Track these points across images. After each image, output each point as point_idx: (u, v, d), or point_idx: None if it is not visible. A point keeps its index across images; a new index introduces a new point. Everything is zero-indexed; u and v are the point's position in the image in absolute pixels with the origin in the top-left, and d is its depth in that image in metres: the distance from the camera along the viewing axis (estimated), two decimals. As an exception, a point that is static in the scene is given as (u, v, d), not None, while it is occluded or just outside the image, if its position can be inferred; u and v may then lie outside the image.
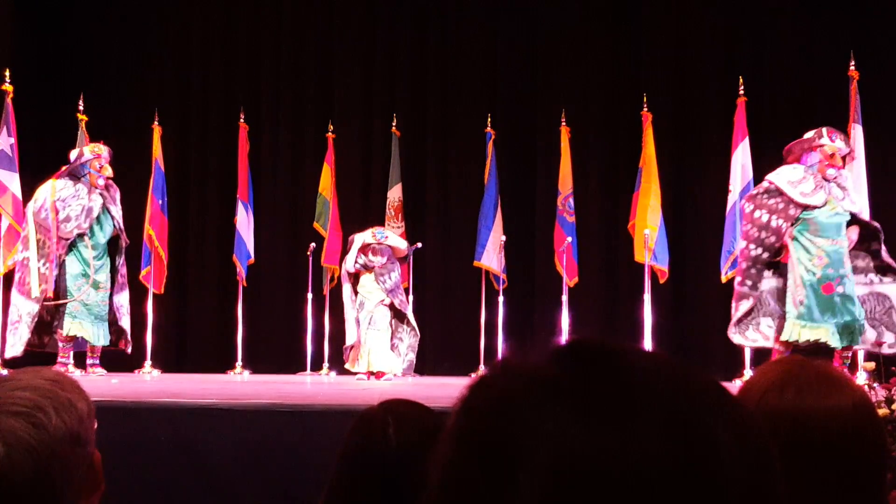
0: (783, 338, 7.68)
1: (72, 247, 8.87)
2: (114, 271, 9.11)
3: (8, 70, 9.19)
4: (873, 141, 8.26)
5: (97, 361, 8.96)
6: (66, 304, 8.77)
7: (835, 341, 7.50)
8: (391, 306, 9.19)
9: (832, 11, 9.96)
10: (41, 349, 8.95)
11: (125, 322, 9.12)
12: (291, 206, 11.26)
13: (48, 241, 8.72)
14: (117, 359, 9.24)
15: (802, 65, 10.08)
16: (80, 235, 8.84)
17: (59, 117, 10.36)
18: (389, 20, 11.36)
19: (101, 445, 1.50)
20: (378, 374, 8.86)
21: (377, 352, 8.97)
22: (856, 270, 7.63)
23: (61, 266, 8.83)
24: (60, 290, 8.83)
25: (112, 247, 9.14)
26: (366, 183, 11.24)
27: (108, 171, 9.04)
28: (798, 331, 7.66)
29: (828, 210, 7.60)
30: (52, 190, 8.85)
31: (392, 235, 9.43)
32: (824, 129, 7.72)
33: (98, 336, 8.88)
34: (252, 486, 4.74)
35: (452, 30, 11.17)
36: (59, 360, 8.80)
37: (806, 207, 7.63)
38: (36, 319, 8.74)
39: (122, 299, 9.14)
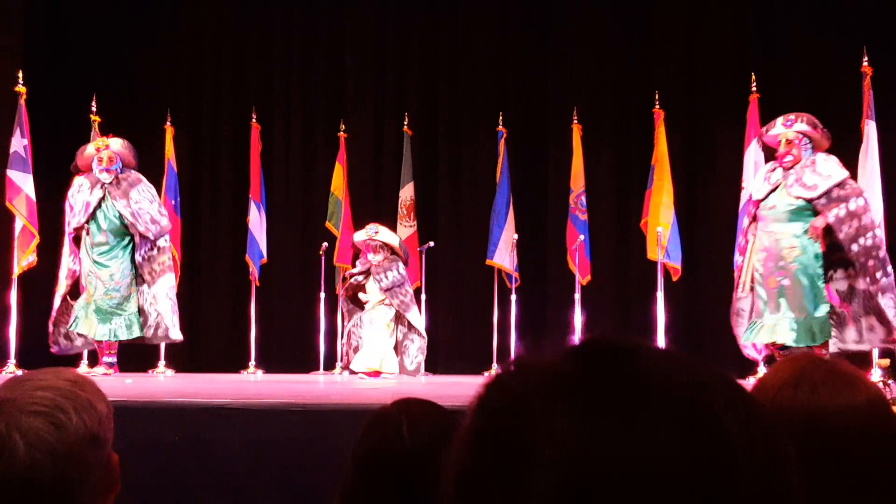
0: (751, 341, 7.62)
1: (82, 244, 8.82)
2: (136, 266, 8.78)
3: (21, 71, 9.23)
4: (887, 137, 8.21)
5: (112, 360, 8.76)
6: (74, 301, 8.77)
7: (790, 339, 7.31)
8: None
9: (845, 7, 9.92)
10: (73, 350, 8.87)
11: (162, 307, 8.75)
12: (303, 205, 11.27)
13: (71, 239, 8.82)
14: (131, 358, 9.26)
15: (815, 61, 10.04)
16: (85, 231, 8.74)
17: (72, 118, 10.39)
18: (400, 18, 11.37)
19: (115, 445, 1.51)
20: (374, 373, 8.80)
21: (373, 351, 8.93)
22: (834, 263, 7.33)
23: (80, 263, 8.82)
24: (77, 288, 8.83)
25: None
26: (378, 182, 11.25)
27: (104, 164, 8.72)
28: (756, 333, 7.54)
29: (772, 199, 7.50)
30: (71, 188, 8.94)
31: (383, 231, 9.22)
32: (780, 117, 7.68)
33: (105, 332, 8.66)
34: (265, 485, 4.75)
35: (463, 28, 11.17)
36: (102, 360, 8.75)
37: (760, 202, 7.56)
38: (54, 315, 8.78)
39: (158, 288, 8.78)
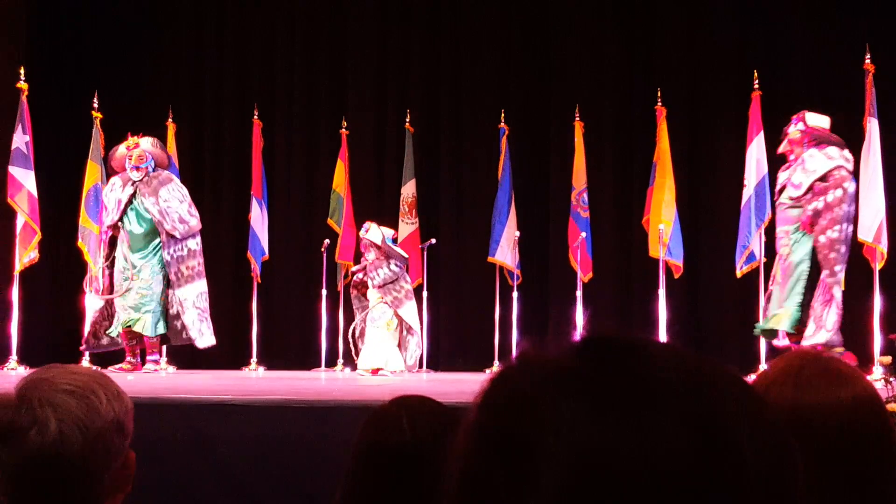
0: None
1: (118, 242, 8.88)
2: (166, 264, 8.81)
3: (23, 68, 9.22)
4: (889, 134, 8.21)
5: (157, 357, 8.84)
6: (111, 298, 8.81)
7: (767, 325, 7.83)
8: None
9: (847, 4, 9.90)
10: (99, 349, 8.94)
11: (188, 317, 8.81)
12: (305, 202, 11.27)
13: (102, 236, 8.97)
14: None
15: (818, 58, 10.03)
16: (117, 228, 8.83)
17: (74, 115, 10.39)
18: (403, 15, 11.36)
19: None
20: (374, 371, 8.81)
21: (374, 348, 8.94)
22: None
23: (112, 262, 8.88)
24: (110, 286, 8.89)
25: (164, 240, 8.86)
26: (379, 179, 11.25)
27: (133, 162, 8.83)
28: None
29: (782, 197, 7.74)
30: (105, 188, 9.10)
31: (373, 229, 9.20)
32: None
33: (132, 323, 8.69)
34: (267, 481, 4.75)
35: (466, 24, 11.16)
36: (128, 360, 8.82)
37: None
38: (96, 316, 8.85)
39: (185, 293, 8.84)
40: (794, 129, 7.73)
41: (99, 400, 1.43)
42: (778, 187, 7.86)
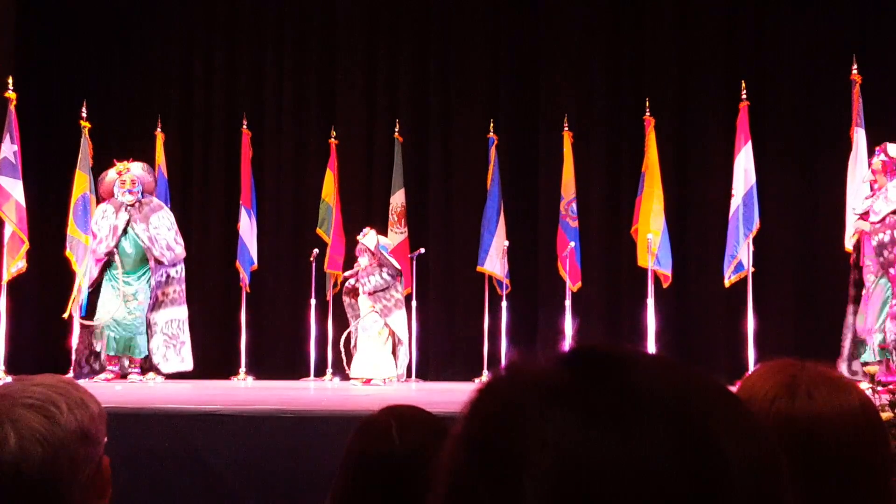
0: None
1: (109, 267, 8.92)
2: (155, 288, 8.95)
3: (11, 77, 9.20)
4: (875, 144, 8.24)
5: (137, 370, 8.92)
6: (94, 326, 8.83)
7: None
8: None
9: (834, 15, 9.96)
10: (88, 376, 8.89)
11: (154, 342, 8.91)
12: (294, 211, 11.25)
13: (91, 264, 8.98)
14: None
15: (805, 69, 10.08)
16: (112, 254, 8.88)
17: (63, 125, 10.37)
18: (392, 25, 11.37)
19: (105, 452, 1.52)
20: (366, 381, 8.81)
21: (366, 359, 8.94)
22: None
23: (99, 286, 8.93)
24: (94, 311, 8.92)
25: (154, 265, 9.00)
26: (368, 188, 11.24)
27: (127, 186, 8.97)
28: None
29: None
30: (94, 215, 9.12)
31: (370, 234, 9.23)
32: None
33: (126, 347, 8.83)
34: (256, 492, 4.74)
35: (455, 35, 11.17)
36: (108, 368, 8.87)
37: None
38: (79, 345, 8.89)
39: (156, 317, 8.95)
40: (876, 160, 7.68)
41: (59, 411, 1.42)
42: (860, 212, 7.68)
